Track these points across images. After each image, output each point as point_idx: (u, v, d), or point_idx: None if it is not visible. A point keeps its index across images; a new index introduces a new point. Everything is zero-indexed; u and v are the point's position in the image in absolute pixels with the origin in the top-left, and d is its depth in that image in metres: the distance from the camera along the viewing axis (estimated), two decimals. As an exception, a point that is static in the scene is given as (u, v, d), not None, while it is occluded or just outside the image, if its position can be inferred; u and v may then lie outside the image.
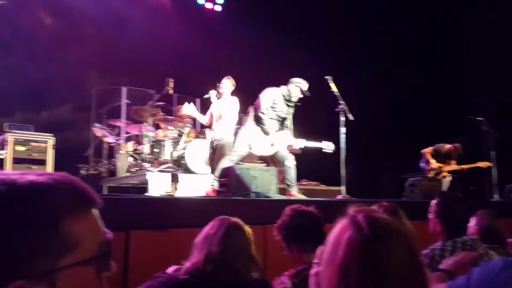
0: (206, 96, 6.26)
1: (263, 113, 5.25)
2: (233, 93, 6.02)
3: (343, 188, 5.70)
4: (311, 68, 7.91)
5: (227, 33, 9.32)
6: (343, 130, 5.68)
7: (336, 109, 5.70)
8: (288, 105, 5.41)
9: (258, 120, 5.28)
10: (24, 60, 7.88)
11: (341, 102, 5.68)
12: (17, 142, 5.63)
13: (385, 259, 0.91)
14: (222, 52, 9.15)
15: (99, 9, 8.20)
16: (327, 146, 5.47)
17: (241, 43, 9.17)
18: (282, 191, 5.34)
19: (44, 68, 8.09)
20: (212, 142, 5.95)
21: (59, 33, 8.25)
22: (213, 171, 5.60)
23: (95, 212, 0.78)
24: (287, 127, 5.49)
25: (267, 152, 5.34)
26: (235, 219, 2.17)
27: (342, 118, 5.67)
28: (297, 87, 5.32)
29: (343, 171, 5.66)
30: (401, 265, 0.91)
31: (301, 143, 5.43)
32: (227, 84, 6.01)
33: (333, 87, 5.74)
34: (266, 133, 5.24)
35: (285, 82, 5.42)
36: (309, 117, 8.34)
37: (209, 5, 9.87)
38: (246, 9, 9.52)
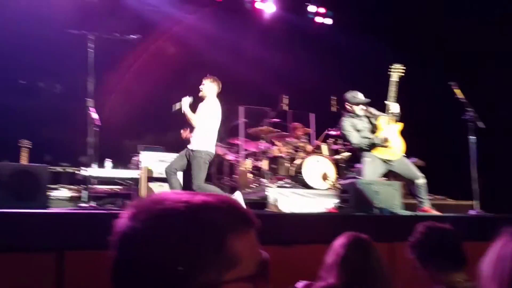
0: (175, 108, 5.60)
1: (357, 144, 5.22)
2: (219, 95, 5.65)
3: (475, 203, 5.26)
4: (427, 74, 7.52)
5: (338, 46, 9.26)
6: (472, 139, 5.27)
7: (463, 117, 5.32)
8: (370, 120, 5.37)
9: (360, 151, 5.26)
10: (151, 86, 8.58)
11: (469, 109, 5.29)
12: (149, 163, 6.12)
13: None
14: (333, 66, 9.10)
15: (215, 34, 8.69)
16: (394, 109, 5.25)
17: (353, 56, 9.04)
18: (407, 206, 5.10)
19: (168, 93, 8.73)
20: (186, 150, 5.42)
21: (180, 60, 8.85)
22: (185, 186, 5.39)
23: (253, 232, 0.82)
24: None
25: (394, 157, 5.22)
26: (365, 236, 2.11)
27: (471, 126, 5.27)
28: (359, 102, 5.32)
29: (474, 184, 5.23)
30: None
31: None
32: (208, 85, 5.55)
33: (459, 94, 5.37)
34: (381, 145, 5.15)
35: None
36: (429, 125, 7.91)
37: (319, 19, 9.90)
38: (355, 21, 9.37)
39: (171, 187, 5.25)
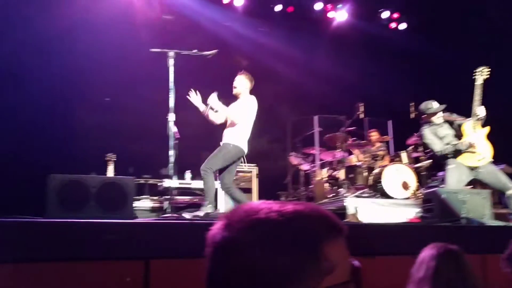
0: (206, 109, 5.47)
1: (440, 151, 4.99)
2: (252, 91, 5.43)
3: None
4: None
5: (413, 50, 8.94)
6: None
7: None
8: (452, 126, 5.14)
9: (443, 158, 5.02)
10: (221, 100, 8.79)
11: None
12: (226, 173, 6.24)
13: None
14: (410, 71, 8.80)
15: (286, 45, 8.73)
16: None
17: (430, 60, 8.68)
18: (497, 216, 4.76)
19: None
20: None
21: (253, 72, 8.99)
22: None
23: (343, 240, 0.82)
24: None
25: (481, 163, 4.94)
26: (455, 247, 1.99)
27: None
28: (435, 112, 5.13)
29: None
30: None
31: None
32: (241, 80, 5.39)
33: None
34: (466, 151, 4.87)
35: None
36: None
37: (393, 25, 9.62)
38: (430, 24, 8.99)
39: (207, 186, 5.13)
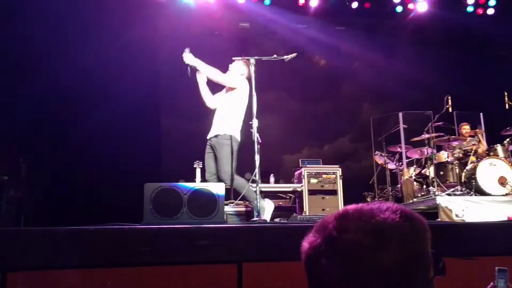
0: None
1: None
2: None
3: None
4: None
5: (503, 37, 8.33)
6: None
7: None
8: None
9: None
10: (300, 103, 8.77)
11: None
12: (310, 176, 6.22)
13: None
14: (500, 59, 8.21)
15: (365, 41, 8.53)
16: None
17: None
18: None
19: (322, 106, 8.83)
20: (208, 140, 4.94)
21: (332, 72, 8.89)
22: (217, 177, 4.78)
23: None
24: None
25: None
26: None
27: None
28: None
29: None
30: None
31: None
32: (238, 66, 4.93)
33: None
34: None
35: None
36: None
37: (480, 11, 9.02)
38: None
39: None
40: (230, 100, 4.94)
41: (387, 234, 0.81)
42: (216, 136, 4.93)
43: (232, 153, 4.86)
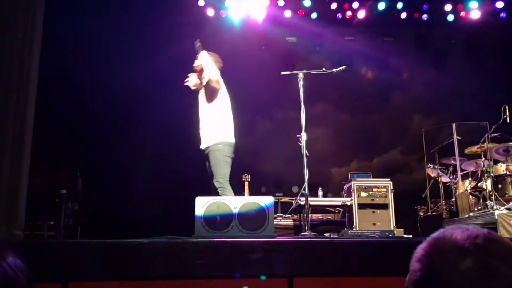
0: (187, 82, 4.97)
1: None
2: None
3: None
4: None
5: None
6: None
7: None
8: None
9: None
10: (349, 115, 8.67)
11: None
12: (360, 189, 6.11)
13: None
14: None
15: (415, 51, 8.36)
16: None
17: None
18: None
19: (371, 118, 8.70)
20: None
21: (380, 84, 8.76)
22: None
23: None
24: None
25: None
26: None
27: None
28: None
29: None
30: None
31: None
32: (203, 57, 4.78)
33: None
34: None
35: None
36: None
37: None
38: None
39: None
40: (215, 106, 4.84)
41: None
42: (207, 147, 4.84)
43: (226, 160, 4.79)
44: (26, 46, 4.72)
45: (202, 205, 3.91)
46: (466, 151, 6.84)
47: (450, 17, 8.40)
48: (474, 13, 8.36)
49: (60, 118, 6.99)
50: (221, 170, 4.73)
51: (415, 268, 0.88)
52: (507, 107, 6.25)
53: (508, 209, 5.66)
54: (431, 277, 0.84)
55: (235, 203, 3.95)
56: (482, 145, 6.38)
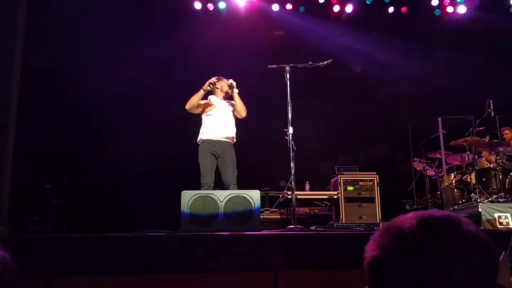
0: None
1: None
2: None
3: None
4: None
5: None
6: None
7: None
8: None
9: None
10: (336, 109, 8.68)
11: None
12: (347, 183, 6.14)
13: None
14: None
15: (402, 46, 8.39)
16: None
17: None
18: None
19: (358, 112, 8.72)
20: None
21: (367, 78, 8.78)
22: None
23: None
24: None
25: None
26: None
27: None
28: None
29: None
30: None
31: None
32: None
33: None
34: None
35: None
36: None
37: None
38: None
39: None
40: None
41: (477, 244, 0.90)
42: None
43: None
44: (7, 39, 4.63)
45: (188, 199, 3.90)
46: (451, 143, 6.90)
47: (437, 12, 8.47)
48: (461, 8, 8.43)
49: (44, 112, 6.91)
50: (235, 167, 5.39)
51: (367, 253, 0.98)
52: (491, 102, 6.31)
53: (491, 201, 5.73)
54: (378, 261, 0.94)
55: (221, 197, 3.95)
56: (467, 138, 6.44)
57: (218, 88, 5.57)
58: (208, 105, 5.51)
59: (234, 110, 5.47)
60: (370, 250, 0.96)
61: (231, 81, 5.44)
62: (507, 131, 6.99)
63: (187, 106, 5.39)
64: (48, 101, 7.06)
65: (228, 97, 5.57)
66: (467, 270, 0.87)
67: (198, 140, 5.43)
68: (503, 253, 1.38)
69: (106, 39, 7.22)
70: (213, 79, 5.48)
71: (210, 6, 8.12)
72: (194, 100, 5.38)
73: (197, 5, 8.09)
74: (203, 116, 5.49)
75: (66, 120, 7.15)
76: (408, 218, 0.95)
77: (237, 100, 5.40)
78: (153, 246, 3.04)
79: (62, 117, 7.10)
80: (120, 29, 7.36)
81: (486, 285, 0.89)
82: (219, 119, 5.42)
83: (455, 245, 0.88)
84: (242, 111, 5.41)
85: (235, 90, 5.40)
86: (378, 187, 6.20)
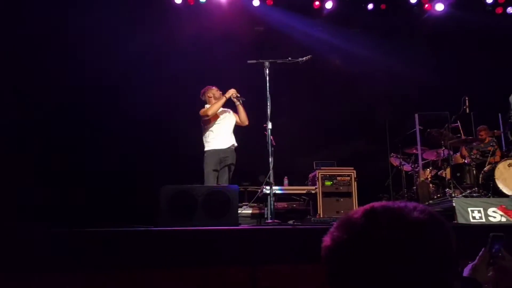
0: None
1: None
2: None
3: None
4: None
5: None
6: None
7: None
8: None
9: None
10: (315, 105, 8.75)
11: None
12: (325, 178, 6.20)
13: None
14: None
15: (381, 42, 8.49)
16: None
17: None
18: None
19: (336, 108, 8.79)
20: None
21: (347, 74, 8.86)
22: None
23: None
24: None
25: None
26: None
27: None
28: None
29: None
30: None
31: None
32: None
33: None
34: None
35: None
36: None
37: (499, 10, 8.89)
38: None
39: None
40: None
41: (419, 232, 0.90)
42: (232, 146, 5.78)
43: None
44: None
45: (167, 194, 3.89)
46: (427, 131, 6.99)
47: (415, 9, 8.59)
48: (439, 5, 8.56)
49: (25, 108, 6.80)
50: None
51: (322, 244, 1.02)
52: (467, 98, 6.43)
53: (465, 196, 5.86)
54: (329, 250, 0.98)
55: (199, 192, 3.95)
56: (441, 130, 6.56)
57: (210, 97, 5.84)
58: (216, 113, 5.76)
59: (237, 119, 5.83)
60: (325, 241, 1.00)
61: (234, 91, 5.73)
62: (482, 133, 7.08)
63: (210, 112, 5.62)
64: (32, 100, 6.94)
65: (224, 106, 5.79)
66: (418, 258, 0.87)
67: (206, 148, 5.69)
68: (483, 249, 1.42)
69: (89, 34, 7.12)
70: (233, 91, 5.71)
71: (191, 1, 8.06)
72: (217, 108, 5.64)
73: (178, 0, 8.02)
74: (211, 124, 5.72)
75: (49, 120, 7.04)
76: (358, 210, 0.98)
77: (242, 109, 5.75)
78: (130, 242, 3.02)
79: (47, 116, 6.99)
80: (103, 25, 7.26)
81: (447, 272, 0.90)
82: (227, 128, 5.77)
83: (402, 233, 0.89)
84: (247, 120, 5.82)
85: (240, 100, 5.72)
86: (356, 182, 6.27)
